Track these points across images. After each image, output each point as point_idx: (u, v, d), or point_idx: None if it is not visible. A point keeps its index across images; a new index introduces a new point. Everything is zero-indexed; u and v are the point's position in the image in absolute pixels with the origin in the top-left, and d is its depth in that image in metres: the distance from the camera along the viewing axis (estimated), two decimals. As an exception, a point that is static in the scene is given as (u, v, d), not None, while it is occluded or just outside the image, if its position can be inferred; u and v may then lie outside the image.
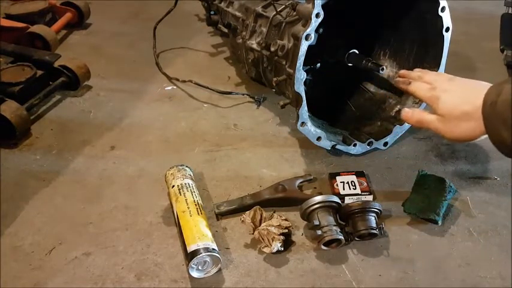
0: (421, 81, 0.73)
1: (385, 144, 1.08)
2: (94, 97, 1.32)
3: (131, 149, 1.11)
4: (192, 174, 0.96)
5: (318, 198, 0.85)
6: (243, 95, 1.30)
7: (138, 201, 0.96)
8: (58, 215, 0.93)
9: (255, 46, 1.14)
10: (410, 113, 0.76)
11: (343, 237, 0.83)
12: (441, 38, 1.03)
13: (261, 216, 0.86)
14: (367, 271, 0.81)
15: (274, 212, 0.88)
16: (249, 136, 1.16)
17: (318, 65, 1.21)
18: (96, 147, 1.12)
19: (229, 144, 1.12)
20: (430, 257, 0.83)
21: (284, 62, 0.99)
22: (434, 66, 1.07)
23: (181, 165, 0.96)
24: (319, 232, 0.82)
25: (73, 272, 0.81)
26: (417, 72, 0.78)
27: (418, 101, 1.10)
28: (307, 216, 0.87)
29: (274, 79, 1.01)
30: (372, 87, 1.20)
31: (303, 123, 0.97)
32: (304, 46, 0.91)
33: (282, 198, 0.94)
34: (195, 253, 0.77)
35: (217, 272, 0.80)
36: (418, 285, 0.79)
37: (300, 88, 0.94)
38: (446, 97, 0.64)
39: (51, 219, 0.92)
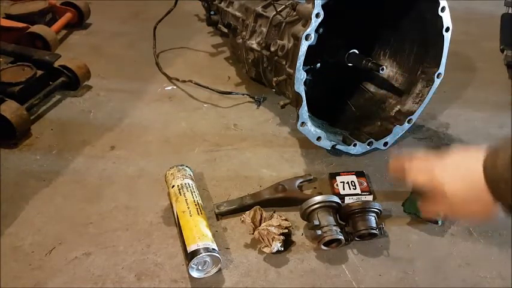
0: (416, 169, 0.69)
1: (385, 144, 1.08)
2: (94, 97, 1.32)
3: (131, 149, 1.11)
4: (192, 174, 0.96)
5: (318, 198, 0.85)
6: (243, 95, 1.30)
7: (138, 201, 0.96)
8: (58, 215, 0.93)
9: (255, 46, 1.14)
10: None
11: (343, 237, 0.83)
12: (441, 38, 1.03)
13: (261, 216, 0.86)
14: (367, 271, 0.81)
15: (274, 212, 0.88)
16: (249, 136, 1.16)
17: (318, 65, 1.21)
18: (96, 147, 1.12)
19: (229, 144, 1.12)
20: (430, 257, 0.83)
21: (284, 62, 0.99)
22: (434, 66, 1.07)
23: (181, 165, 0.96)
24: (319, 232, 0.82)
25: (73, 272, 0.81)
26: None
27: (418, 101, 1.10)
28: (307, 216, 0.87)
29: (274, 79, 1.01)
30: (372, 87, 1.20)
31: (303, 123, 0.97)
32: (304, 46, 0.91)
33: (282, 198, 0.94)
34: (195, 253, 0.77)
35: (217, 272, 0.80)
36: (418, 285, 0.79)
37: (300, 88, 0.94)
38: (447, 180, 0.61)
39: (51, 219, 0.92)
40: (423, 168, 0.65)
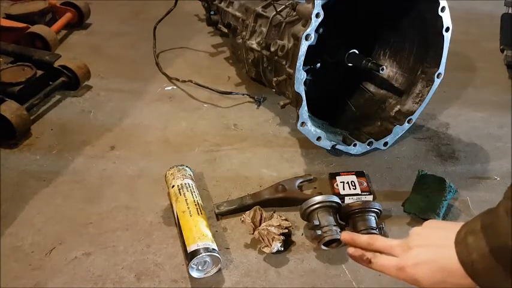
0: (380, 254, 0.63)
1: (385, 144, 1.08)
2: (94, 97, 1.32)
3: (131, 149, 1.11)
4: (192, 174, 0.96)
5: (318, 198, 0.85)
6: (243, 95, 1.30)
7: (138, 201, 0.96)
8: (58, 215, 0.93)
9: (255, 46, 1.14)
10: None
11: (343, 237, 0.83)
12: (441, 38, 1.03)
13: (261, 216, 0.86)
14: (367, 271, 0.81)
15: (274, 212, 0.88)
16: (249, 136, 1.16)
17: (318, 65, 1.21)
18: (96, 147, 1.12)
19: (229, 144, 1.12)
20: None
21: (284, 62, 0.99)
22: (434, 66, 1.07)
23: (181, 165, 0.96)
24: (319, 232, 0.82)
25: (73, 272, 0.81)
26: (364, 238, 0.66)
27: (418, 101, 1.10)
28: (307, 216, 0.87)
29: (274, 79, 1.01)
30: (372, 87, 1.20)
31: (303, 123, 0.97)
32: (304, 46, 0.91)
33: (282, 198, 0.94)
34: (195, 253, 0.77)
35: (217, 272, 0.80)
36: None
37: (300, 88, 0.94)
38: (423, 277, 0.56)
39: (51, 219, 0.92)
40: (391, 265, 0.60)
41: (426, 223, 0.61)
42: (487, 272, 0.50)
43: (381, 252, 0.63)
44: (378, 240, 0.64)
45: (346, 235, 0.69)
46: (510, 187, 0.50)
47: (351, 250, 0.67)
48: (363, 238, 0.66)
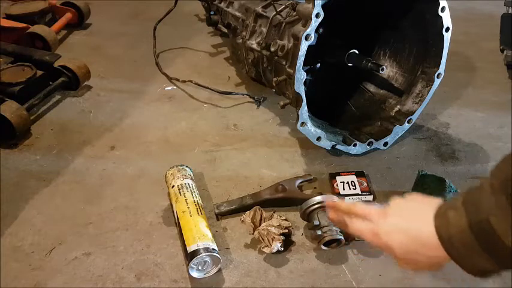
0: (357, 219, 0.65)
1: (385, 144, 1.08)
2: (94, 97, 1.32)
3: (131, 149, 1.11)
4: (192, 174, 0.96)
5: (318, 198, 0.85)
6: (243, 95, 1.30)
7: (138, 201, 0.96)
8: (58, 215, 0.93)
9: (255, 46, 1.14)
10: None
11: (343, 237, 0.83)
12: (441, 38, 1.03)
13: (261, 216, 0.86)
14: (367, 271, 0.81)
15: (274, 212, 0.88)
16: (249, 136, 1.16)
17: (318, 65, 1.21)
18: (96, 147, 1.12)
19: (229, 144, 1.12)
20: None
21: (284, 62, 0.99)
22: (434, 66, 1.07)
23: (181, 165, 0.96)
24: (319, 232, 0.82)
25: (73, 272, 0.81)
26: (345, 204, 0.68)
27: (418, 101, 1.10)
28: (307, 216, 0.87)
29: (274, 79, 1.01)
30: (372, 87, 1.20)
31: (303, 123, 0.97)
32: (304, 46, 0.91)
33: (282, 198, 0.94)
34: (195, 253, 0.77)
35: (217, 272, 0.80)
36: (418, 285, 0.79)
37: (300, 88, 0.94)
38: (396, 245, 0.57)
39: (51, 219, 0.92)
40: (367, 229, 0.62)
41: (408, 196, 0.62)
42: (464, 247, 0.50)
43: (359, 217, 0.64)
44: (358, 206, 0.66)
45: (329, 201, 0.72)
46: (496, 166, 0.49)
47: (331, 215, 0.70)
48: (344, 204, 0.69)
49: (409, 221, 0.57)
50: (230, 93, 1.31)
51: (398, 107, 1.13)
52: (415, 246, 0.55)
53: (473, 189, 0.51)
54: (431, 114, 1.21)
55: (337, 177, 0.98)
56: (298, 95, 0.94)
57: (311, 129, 0.98)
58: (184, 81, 1.36)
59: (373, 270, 0.81)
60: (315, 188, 0.99)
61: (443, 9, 0.99)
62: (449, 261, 0.53)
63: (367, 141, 1.05)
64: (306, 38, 0.90)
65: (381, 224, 0.60)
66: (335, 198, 0.86)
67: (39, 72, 1.26)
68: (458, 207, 0.51)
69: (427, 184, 0.94)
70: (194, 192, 0.90)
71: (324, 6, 0.88)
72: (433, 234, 0.53)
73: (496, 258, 0.48)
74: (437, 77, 1.07)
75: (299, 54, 0.91)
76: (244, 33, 1.19)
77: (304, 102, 0.95)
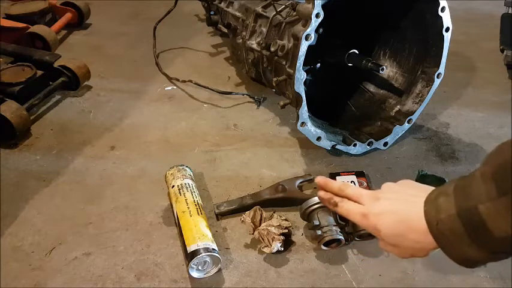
0: (347, 200, 0.65)
1: (385, 144, 1.08)
2: (94, 97, 1.32)
3: (131, 149, 1.11)
4: (192, 174, 0.96)
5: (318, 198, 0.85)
6: (243, 95, 1.30)
7: (138, 201, 0.96)
8: (58, 215, 0.93)
9: (255, 46, 1.14)
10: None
11: (343, 237, 0.83)
12: (441, 38, 1.03)
13: (261, 216, 0.86)
14: (367, 271, 0.81)
15: (274, 212, 0.88)
16: (249, 136, 1.16)
17: (318, 65, 1.21)
18: (96, 147, 1.12)
19: (229, 144, 1.12)
20: (429, 257, 0.83)
21: (284, 62, 0.99)
22: (434, 66, 1.07)
23: (181, 165, 0.96)
24: (319, 232, 0.82)
25: (73, 272, 0.81)
26: (337, 184, 0.67)
27: (418, 101, 1.10)
28: (307, 216, 0.87)
29: (274, 79, 1.01)
30: (372, 87, 1.20)
31: (303, 123, 0.97)
32: (304, 46, 0.91)
33: (282, 198, 0.94)
34: (195, 253, 0.77)
35: (217, 272, 0.80)
36: (418, 285, 0.79)
37: (300, 88, 0.94)
38: (384, 226, 0.57)
39: (51, 219, 0.92)
40: (356, 210, 0.62)
41: (401, 181, 0.62)
42: (451, 234, 0.49)
43: (350, 199, 0.64)
44: (349, 188, 0.65)
45: (320, 179, 0.71)
46: (489, 154, 0.49)
47: (321, 193, 0.69)
48: (335, 184, 0.68)
49: (399, 204, 0.57)
50: (230, 93, 1.31)
51: (398, 107, 1.13)
52: (402, 229, 0.55)
53: (465, 177, 0.51)
54: (431, 114, 1.21)
55: (337, 177, 0.98)
56: (298, 95, 0.94)
57: (311, 129, 0.98)
58: (184, 81, 1.36)
59: (373, 270, 0.81)
60: (315, 188, 0.99)
61: (443, 9, 0.99)
62: (435, 249, 0.53)
63: (367, 141, 1.05)
64: (306, 38, 0.90)
65: (371, 206, 0.60)
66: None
67: (39, 72, 1.26)
68: (449, 193, 0.51)
69: (427, 184, 0.93)
70: (194, 192, 0.90)
71: (323, 6, 0.88)
72: (421, 218, 0.53)
73: (482, 248, 0.48)
74: (437, 77, 1.07)
75: (299, 54, 0.91)
76: (244, 33, 1.19)
77: (304, 102, 0.95)
